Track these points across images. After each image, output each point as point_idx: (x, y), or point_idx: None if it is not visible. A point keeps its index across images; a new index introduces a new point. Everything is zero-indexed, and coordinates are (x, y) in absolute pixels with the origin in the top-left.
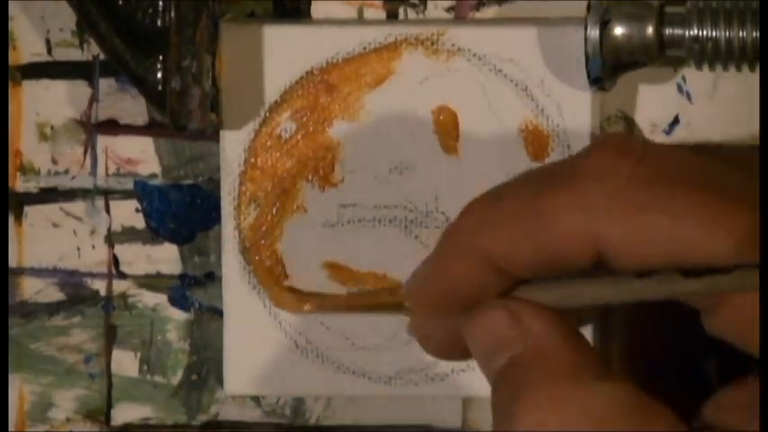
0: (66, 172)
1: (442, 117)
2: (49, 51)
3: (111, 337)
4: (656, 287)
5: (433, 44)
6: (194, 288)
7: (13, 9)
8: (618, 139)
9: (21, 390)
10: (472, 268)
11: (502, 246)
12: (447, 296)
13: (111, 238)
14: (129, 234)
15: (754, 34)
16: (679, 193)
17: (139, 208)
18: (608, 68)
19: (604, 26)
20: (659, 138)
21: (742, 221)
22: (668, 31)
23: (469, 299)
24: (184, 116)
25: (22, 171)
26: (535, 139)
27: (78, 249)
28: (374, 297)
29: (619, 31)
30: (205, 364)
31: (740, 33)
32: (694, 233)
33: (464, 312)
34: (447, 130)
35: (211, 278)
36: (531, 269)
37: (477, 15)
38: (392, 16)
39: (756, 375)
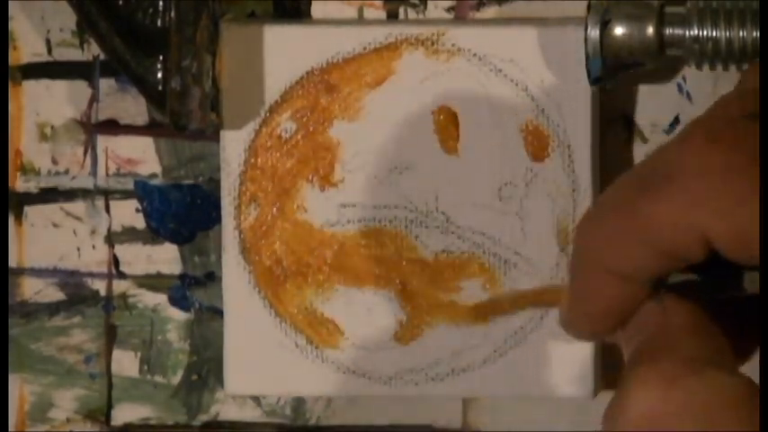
0: (67, 172)
1: (442, 117)
2: (49, 51)
3: (111, 337)
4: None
5: (433, 44)
6: (194, 288)
7: (13, 9)
8: (706, 127)
9: (21, 390)
10: (607, 285)
11: (624, 258)
12: (600, 319)
13: (111, 238)
14: (130, 234)
15: (754, 34)
16: None
17: (139, 208)
18: (608, 68)
19: (604, 26)
20: (659, 138)
21: None
22: (668, 31)
23: (622, 312)
24: (184, 116)
25: (22, 171)
26: (535, 139)
27: (78, 249)
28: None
29: (619, 31)
30: (205, 364)
31: (740, 33)
32: None
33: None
34: (447, 130)
35: (211, 278)
36: (660, 272)
37: (477, 15)
38: (392, 16)
39: None
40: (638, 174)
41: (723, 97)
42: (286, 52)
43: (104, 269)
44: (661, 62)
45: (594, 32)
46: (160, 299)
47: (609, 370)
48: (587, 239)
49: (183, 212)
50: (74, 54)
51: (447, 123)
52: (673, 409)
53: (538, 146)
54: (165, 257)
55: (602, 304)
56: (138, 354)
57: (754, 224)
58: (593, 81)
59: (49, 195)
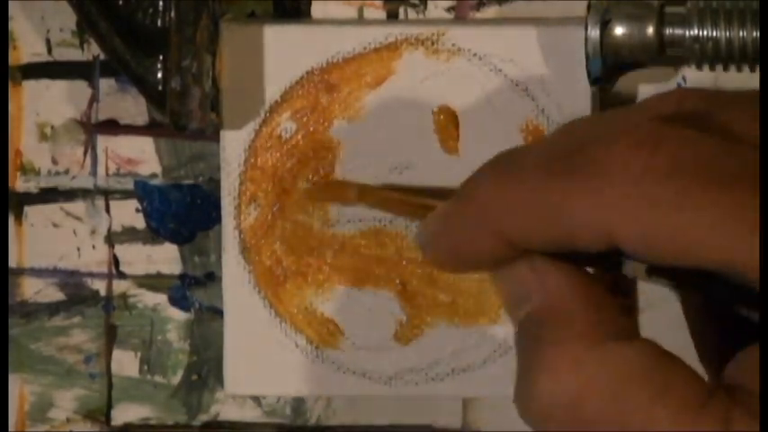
0: (67, 172)
1: (442, 117)
2: (49, 51)
3: (111, 337)
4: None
5: (433, 44)
6: (194, 288)
7: (13, 9)
8: (632, 130)
9: (21, 390)
10: (490, 244)
11: (520, 229)
12: (463, 259)
13: (111, 238)
14: (129, 234)
15: (754, 34)
16: (693, 188)
17: (139, 208)
18: (608, 68)
19: (605, 26)
20: None
21: (755, 217)
22: (668, 31)
23: (483, 263)
24: (184, 116)
25: (22, 171)
26: (535, 140)
27: (78, 249)
28: (415, 198)
29: (619, 30)
30: (205, 364)
31: (740, 33)
32: (708, 231)
33: (479, 267)
34: (447, 130)
35: (211, 278)
36: (549, 249)
37: (478, 15)
38: (392, 16)
39: None
40: (561, 151)
41: (651, 98)
42: (286, 52)
43: (104, 269)
44: (661, 62)
45: (594, 32)
46: (160, 299)
47: None
48: (489, 197)
49: (183, 212)
50: (74, 54)
51: (447, 123)
52: (582, 392)
53: None
54: (165, 257)
55: (476, 254)
56: (138, 354)
57: (663, 229)
58: (593, 81)
59: (49, 195)
